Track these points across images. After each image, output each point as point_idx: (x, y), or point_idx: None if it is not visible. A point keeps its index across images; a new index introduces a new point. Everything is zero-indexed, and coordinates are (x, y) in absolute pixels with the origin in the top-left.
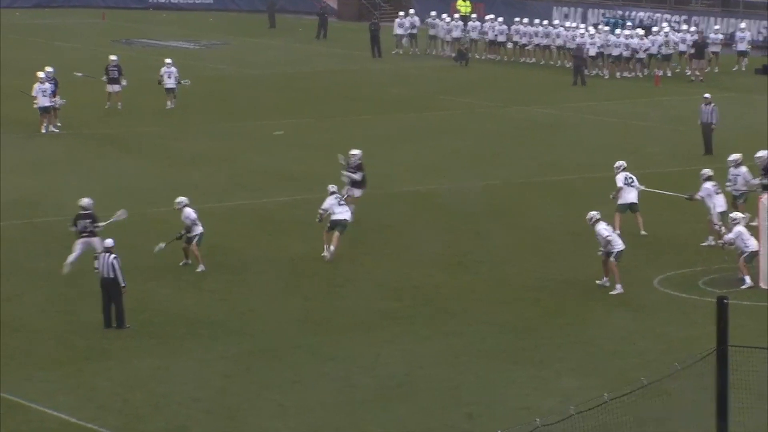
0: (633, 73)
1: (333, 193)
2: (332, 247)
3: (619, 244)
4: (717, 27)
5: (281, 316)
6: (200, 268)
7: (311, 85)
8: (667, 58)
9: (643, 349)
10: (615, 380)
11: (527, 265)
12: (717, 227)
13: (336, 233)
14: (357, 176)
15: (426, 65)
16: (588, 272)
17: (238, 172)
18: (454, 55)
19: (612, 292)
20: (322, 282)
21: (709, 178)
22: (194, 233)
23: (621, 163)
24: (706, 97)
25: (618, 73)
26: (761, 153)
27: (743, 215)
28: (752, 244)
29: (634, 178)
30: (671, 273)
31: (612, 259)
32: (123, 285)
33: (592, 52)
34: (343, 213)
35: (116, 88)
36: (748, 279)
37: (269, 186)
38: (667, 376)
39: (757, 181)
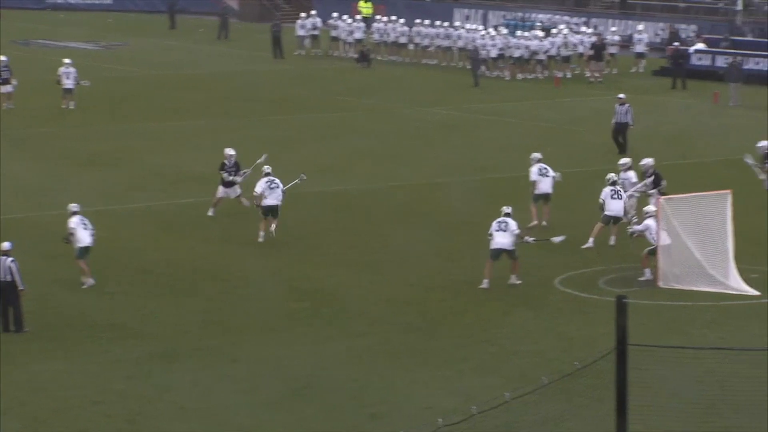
0: (533, 75)
1: (267, 174)
2: (272, 227)
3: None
4: (614, 29)
5: (182, 318)
6: (88, 282)
7: (213, 86)
8: (566, 59)
9: (544, 348)
10: (517, 379)
11: (431, 265)
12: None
13: (270, 218)
14: (238, 178)
15: (328, 66)
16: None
17: (138, 173)
18: (356, 56)
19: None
20: (223, 283)
21: (614, 183)
22: (78, 244)
23: (536, 155)
24: (621, 98)
25: (519, 75)
26: (646, 161)
27: (654, 209)
28: (660, 238)
29: (549, 168)
30: (572, 273)
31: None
32: (21, 288)
33: (493, 53)
34: (276, 198)
35: (8, 88)
36: (648, 272)
37: (171, 187)
38: (568, 375)
39: (640, 186)
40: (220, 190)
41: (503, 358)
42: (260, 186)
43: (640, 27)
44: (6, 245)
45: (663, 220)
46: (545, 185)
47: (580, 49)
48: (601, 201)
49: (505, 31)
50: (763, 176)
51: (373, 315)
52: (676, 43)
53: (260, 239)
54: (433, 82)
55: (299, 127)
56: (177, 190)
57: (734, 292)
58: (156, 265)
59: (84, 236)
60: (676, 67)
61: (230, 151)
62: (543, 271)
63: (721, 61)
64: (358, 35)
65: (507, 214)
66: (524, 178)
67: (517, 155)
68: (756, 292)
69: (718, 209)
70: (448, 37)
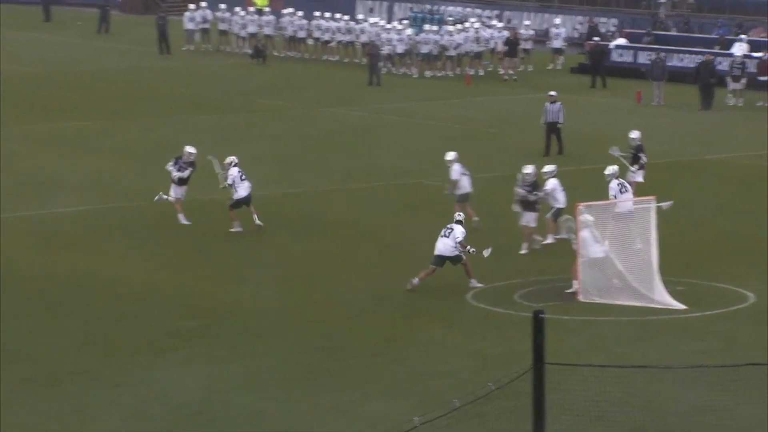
0: (443, 72)
1: (236, 165)
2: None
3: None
4: (528, 23)
5: (62, 339)
6: None
7: (94, 84)
8: (478, 56)
9: (457, 368)
10: (426, 402)
11: (335, 279)
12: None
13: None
14: (186, 173)
15: (220, 63)
16: (399, 286)
17: (12, 180)
18: (250, 52)
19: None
20: (108, 300)
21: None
22: None
23: (452, 153)
24: (552, 95)
25: (427, 72)
26: (532, 169)
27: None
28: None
29: (467, 171)
30: (486, 286)
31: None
32: None
33: (399, 49)
34: (246, 189)
35: None
36: (576, 284)
37: (48, 196)
38: (482, 397)
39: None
40: (174, 192)
41: (413, 379)
42: (230, 178)
43: (557, 21)
44: None
45: (582, 229)
46: (467, 183)
47: (492, 44)
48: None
49: (408, 27)
50: (636, 174)
51: (273, 334)
52: (595, 38)
53: (235, 228)
54: (335, 80)
55: (190, 129)
56: (56, 199)
57: (659, 307)
58: (33, 280)
59: None
60: (596, 64)
61: (191, 149)
62: (455, 285)
63: (643, 58)
64: (251, 29)
65: (458, 222)
66: (436, 183)
67: (426, 159)
68: (682, 306)
69: (642, 217)
70: (350, 31)
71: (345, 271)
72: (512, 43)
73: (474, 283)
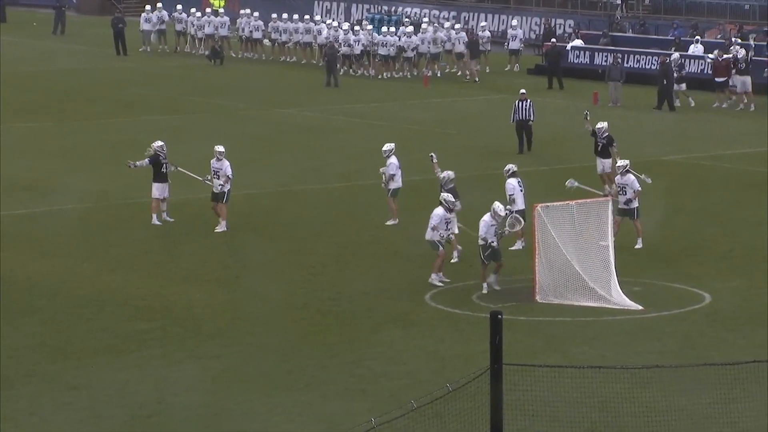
0: (400, 74)
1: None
2: (221, 221)
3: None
4: (483, 24)
5: (15, 341)
6: None
7: (48, 85)
8: (435, 57)
9: (414, 368)
10: (384, 403)
11: (289, 280)
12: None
13: (220, 204)
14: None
15: (176, 64)
16: (355, 287)
17: None
18: (207, 53)
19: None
20: (61, 303)
21: (513, 174)
22: None
23: (389, 145)
24: (523, 93)
25: (385, 74)
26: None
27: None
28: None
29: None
30: (444, 287)
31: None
32: None
33: (357, 50)
34: (223, 186)
35: None
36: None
37: (2, 197)
38: (440, 398)
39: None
40: (155, 190)
41: (371, 380)
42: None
43: (514, 22)
44: None
45: (539, 230)
46: (400, 179)
47: (449, 46)
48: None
49: (369, 27)
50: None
51: (228, 335)
52: (552, 40)
53: (223, 228)
54: (292, 82)
55: (143, 130)
56: (7, 200)
57: (616, 307)
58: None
59: None
60: (553, 66)
61: (160, 142)
62: (413, 285)
63: (600, 59)
64: (208, 30)
65: (443, 202)
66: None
67: (382, 160)
68: (638, 307)
69: (598, 217)
70: (308, 32)
71: (300, 272)
72: (474, 44)
73: (434, 278)
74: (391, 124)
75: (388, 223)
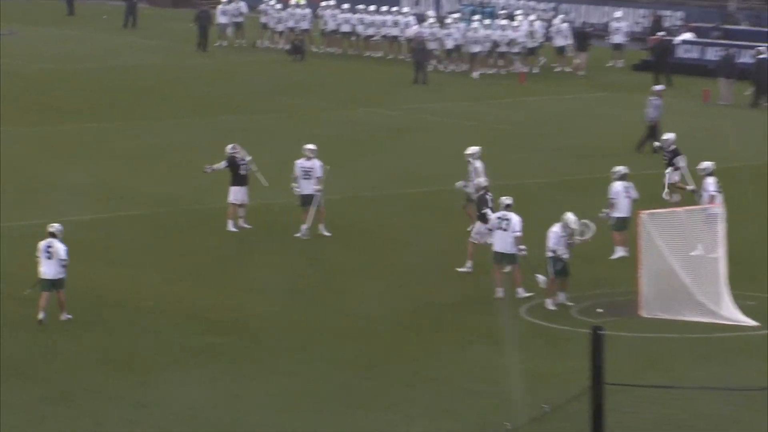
0: (494, 70)
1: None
2: (305, 226)
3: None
4: (562, 15)
5: (80, 355)
6: (65, 316)
7: (118, 83)
8: (532, 51)
9: (506, 387)
10: (474, 425)
11: (372, 291)
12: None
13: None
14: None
15: (254, 59)
16: (442, 298)
17: (27, 186)
18: (287, 47)
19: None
20: (127, 314)
21: (622, 177)
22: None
23: (476, 149)
24: (657, 90)
25: (476, 72)
26: (668, 136)
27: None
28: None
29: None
30: (541, 300)
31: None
32: None
33: (449, 45)
34: (309, 187)
35: None
36: (550, 302)
37: (67, 203)
38: (535, 420)
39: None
40: (232, 194)
41: (458, 399)
42: (296, 170)
43: (618, 14)
44: None
45: (644, 239)
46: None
47: (543, 38)
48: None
49: (461, 19)
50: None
51: (305, 350)
52: (659, 33)
53: (301, 234)
54: (378, 79)
55: (217, 131)
56: (68, 206)
57: (728, 323)
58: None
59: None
60: (660, 61)
61: (230, 145)
62: (507, 297)
63: (711, 54)
64: (290, 23)
65: (508, 206)
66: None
67: (464, 163)
68: (753, 323)
69: (709, 226)
70: (395, 24)
71: (382, 283)
72: (582, 36)
73: (521, 292)
74: (482, 124)
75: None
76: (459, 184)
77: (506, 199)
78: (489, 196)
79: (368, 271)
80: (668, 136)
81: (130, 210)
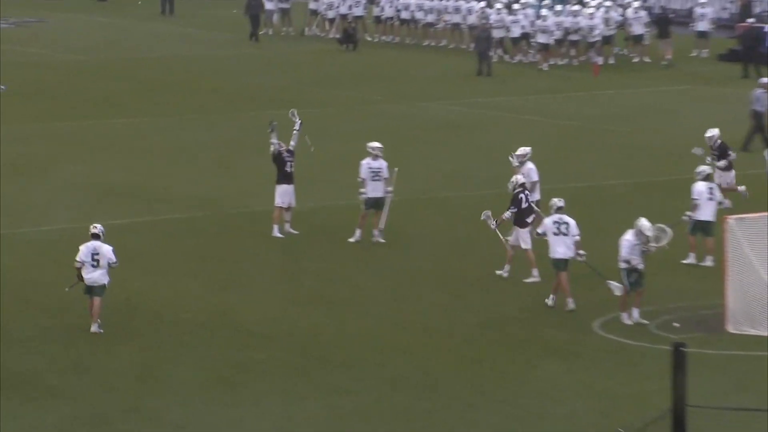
0: (566, 60)
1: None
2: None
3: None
4: (636, 4)
5: (113, 371)
6: (95, 327)
7: (153, 75)
8: (607, 40)
9: (578, 409)
10: None
11: (431, 302)
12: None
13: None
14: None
15: (302, 49)
16: (508, 311)
17: (56, 186)
18: (338, 36)
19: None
20: (165, 327)
21: (706, 178)
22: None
23: (527, 149)
24: (765, 83)
25: (546, 63)
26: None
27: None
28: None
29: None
30: (616, 313)
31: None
32: None
33: (515, 33)
34: (379, 189)
35: None
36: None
37: (96, 204)
38: None
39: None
40: (278, 195)
41: (526, 421)
42: (363, 172)
43: None
44: None
45: (731, 246)
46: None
47: (637, 28)
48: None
49: (528, 9)
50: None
51: (359, 367)
52: (749, 20)
53: (354, 239)
54: (437, 70)
55: (260, 127)
56: (104, 208)
57: None
58: (76, 302)
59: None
60: (749, 50)
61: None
62: (579, 310)
63: None
64: (342, 9)
65: (561, 209)
66: (550, 191)
67: (538, 162)
68: None
69: None
70: (456, 11)
71: (442, 294)
72: (663, 22)
73: (570, 304)
74: (551, 120)
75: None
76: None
77: (558, 201)
78: (523, 196)
79: (426, 281)
80: (712, 132)
81: (166, 213)
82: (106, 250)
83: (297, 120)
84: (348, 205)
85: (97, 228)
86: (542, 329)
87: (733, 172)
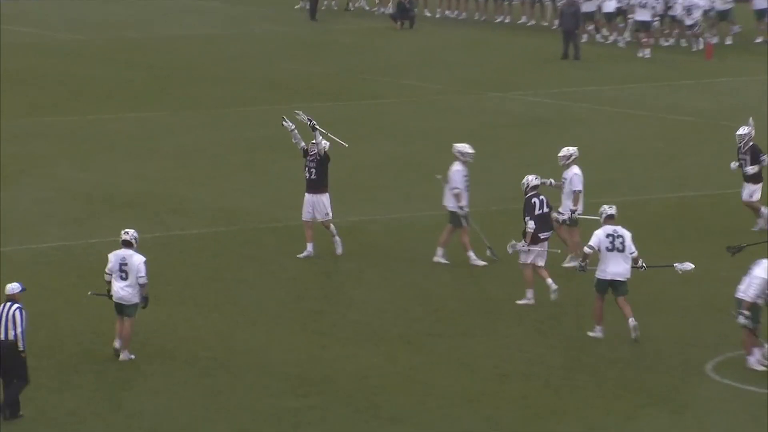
0: (670, 41)
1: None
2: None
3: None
4: None
5: (119, 420)
6: (125, 355)
7: (166, 59)
8: (723, 16)
9: None
10: None
11: (507, 339)
12: None
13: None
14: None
15: (347, 27)
16: (602, 349)
17: (48, 194)
18: (391, 11)
19: None
20: (180, 368)
21: None
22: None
23: (572, 150)
24: None
25: (646, 45)
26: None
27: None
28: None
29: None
30: (732, 353)
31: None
32: (22, 349)
33: (609, 8)
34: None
35: None
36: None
37: (96, 216)
38: None
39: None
40: (304, 207)
41: None
42: (458, 180)
43: None
44: (15, 287)
45: None
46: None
47: (758, 2)
48: None
49: None
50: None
51: (417, 418)
52: None
53: (439, 257)
54: (513, 53)
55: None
56: (106, 221)
57: None
58: (75, 335)
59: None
60: None
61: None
62: (688, 349)
63: None
64: None
65: (611, 217)
66: (655, 201)
67: (641, 167)
68: None
69: None
70: None
71: (521, 327)
72: None
73: (632, 322)
74: (653, 113)
75: (568, 264)
76: (544, 182)
77: (609, 209)
78: (537, 201)
79: (502, 311)
80: (744, 130)
81: (180, 228)
82: (136, 262)
83: (305, 118)
84: (403, 219)
85: (129, 234)
86: (642, 372)
87: (758, 186)
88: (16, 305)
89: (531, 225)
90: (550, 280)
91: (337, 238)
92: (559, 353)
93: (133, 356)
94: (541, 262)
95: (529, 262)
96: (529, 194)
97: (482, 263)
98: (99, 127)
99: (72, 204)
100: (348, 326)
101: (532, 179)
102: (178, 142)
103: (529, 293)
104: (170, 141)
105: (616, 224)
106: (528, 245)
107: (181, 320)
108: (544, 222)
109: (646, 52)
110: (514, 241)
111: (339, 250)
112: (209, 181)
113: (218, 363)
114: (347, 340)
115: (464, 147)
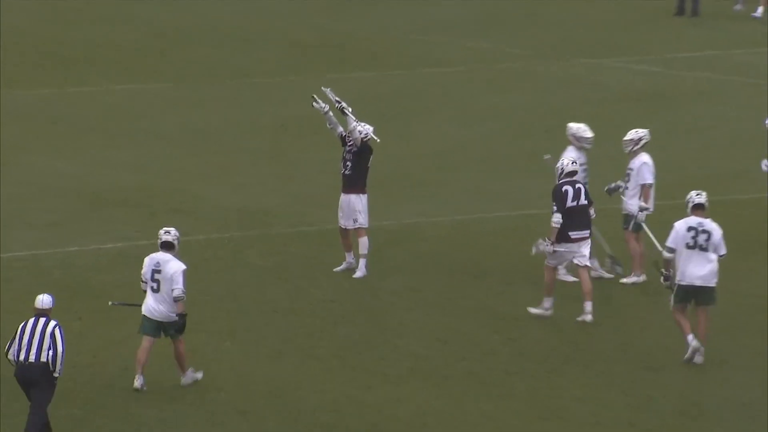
0: None
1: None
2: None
3: None
4: None
5: None
6: (188, 378)
7: (169, 15)
8: None
9: None
10: None
11: (604, 376)
12: None
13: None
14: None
15: None
16: (709, 391)
17: (21, 190)
18: None
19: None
20: (185, 409)
21: None
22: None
23: (643, 132)
24: None
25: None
26: None
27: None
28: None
29: None
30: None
31: None
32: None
33: None
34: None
35: None
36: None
37: (83, 217)
38: None
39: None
40: (339, 211)
41: None
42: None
43: None
44: (47, 300)
45: None
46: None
47: None
48: None
49: None
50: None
51: None
52: None
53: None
54: (609, 6)
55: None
56: (94, 224)
57: None
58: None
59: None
60: None
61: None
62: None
63: None
64: None
65: (699, 207)
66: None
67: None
68: None
69: None
70: None
71: (624, 361)
72: None
73: (695, 343)
74: None
75: (626, 281)
76: (611, 187)
77: (697, 197)
78: (572, 190)
79: (597, 343)
80: None
81: (189, 232)
82: (171, 270)
83: (333, 97)
84: (470, 222)
85: (170, 233)
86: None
87: None
88: (53, 322)
89: (557, 218)
90: (589, 305)
91: (363, 260)
92: (673, 394)
93: (199, 375)
94: (584, 271)
95: (552, 264)
96: (563, 180)
97: (573, 280)
98: (79, 103)
99: (44, 202)
100: (400, 360)
101: (567, 164)
102: (182, 122)
103: (547, 302)
104: (171, 120)
105: (706, 217)
106: (552, 244)
107: (185, 351)
108: (578, 217)
109: (759, 12)
110: (540, 240)
111: (358, 274)
112: (221, 172)
113: (232, 407)
114: (399, 379)
115: (581, 130)
